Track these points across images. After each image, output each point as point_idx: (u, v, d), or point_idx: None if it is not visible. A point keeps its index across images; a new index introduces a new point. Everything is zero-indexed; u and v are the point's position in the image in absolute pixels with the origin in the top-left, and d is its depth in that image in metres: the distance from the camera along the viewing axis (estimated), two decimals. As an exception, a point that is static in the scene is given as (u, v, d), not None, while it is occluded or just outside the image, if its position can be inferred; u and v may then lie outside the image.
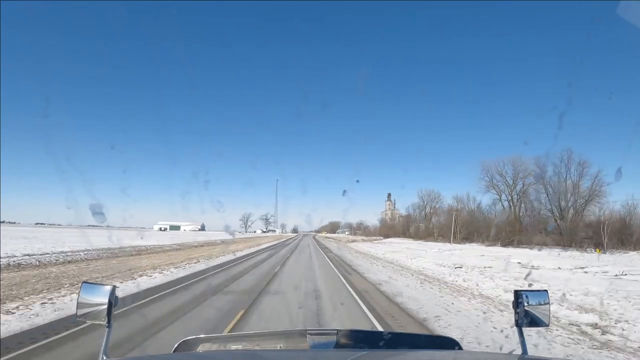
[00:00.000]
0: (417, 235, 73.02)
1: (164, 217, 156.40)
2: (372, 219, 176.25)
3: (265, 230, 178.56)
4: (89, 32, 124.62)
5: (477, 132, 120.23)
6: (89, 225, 79.75)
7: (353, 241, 65.38)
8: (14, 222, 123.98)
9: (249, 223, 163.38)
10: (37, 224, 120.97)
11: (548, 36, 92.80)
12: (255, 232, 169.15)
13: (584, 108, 65.10)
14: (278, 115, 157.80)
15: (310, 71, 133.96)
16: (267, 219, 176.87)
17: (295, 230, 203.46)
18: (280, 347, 1.63)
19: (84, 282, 1.39)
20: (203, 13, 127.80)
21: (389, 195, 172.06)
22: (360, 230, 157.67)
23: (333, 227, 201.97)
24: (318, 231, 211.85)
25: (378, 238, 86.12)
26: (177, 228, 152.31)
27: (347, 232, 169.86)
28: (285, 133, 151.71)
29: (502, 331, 6.15)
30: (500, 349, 5.18)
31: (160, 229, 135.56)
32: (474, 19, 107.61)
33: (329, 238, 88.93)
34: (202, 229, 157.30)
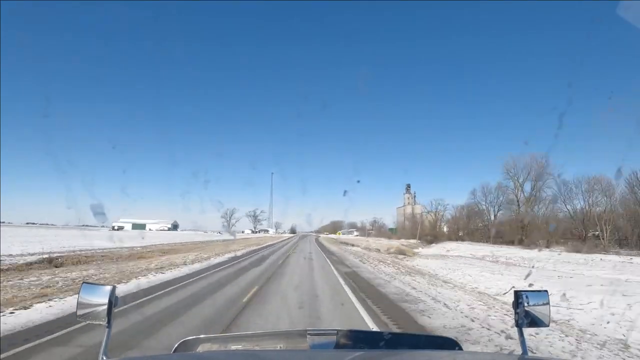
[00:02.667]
0: (508, 240, 40.54)
1: (132, 214, 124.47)
2: (378, 216, 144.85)
3: (254, 230, 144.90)
4: (89, 32, 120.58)
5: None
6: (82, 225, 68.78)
7: (398, 251, 32.91)
8: (3, 222, 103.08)
9: (232, 221, 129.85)
10: (27, 223, 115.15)
11: (548, 36, 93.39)
12: (243, 232, 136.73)
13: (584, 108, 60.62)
14: (277, 113, 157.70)
15: (310, 70, 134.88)
16: (255, 216, 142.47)
17: (293, 231, 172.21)
18: (280, 347, 1.61)
19: (84, 282, 1.37)
20: (203, 13, 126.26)
21: (408, 187, 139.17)
22: (374, 230, 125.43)
23: (334, 227, 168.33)
24: (319, 231, 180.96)
25: (418, 243, 53.59)
26: (142, 227, 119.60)
27: (355, 233, 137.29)
28: (284, 131, 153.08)
29: None
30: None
31: (114, 227, 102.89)
32: (474, 19, 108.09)
33: (345, 244, 55.37)
34: (174, 227, 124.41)
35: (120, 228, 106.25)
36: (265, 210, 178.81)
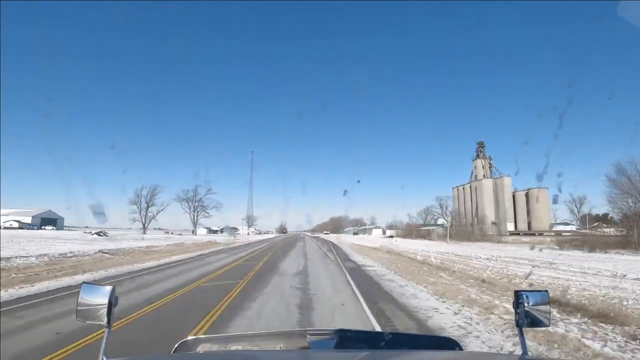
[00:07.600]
0: None
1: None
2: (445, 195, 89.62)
3: (195, 224, 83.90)
4: (90, 31, 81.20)
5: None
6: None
7: None
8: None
9: (151, 209, 70.69)
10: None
11: (548, 37, 77.50)
12: (193, 232, 79.20)
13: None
14: (275, 103, 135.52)
15: (311, 60, 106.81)
16: (195, 200, 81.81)
17: (282, 230, 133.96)
18: (280, 347, 1.61)
19: (84, 282, 1.36)
20: (204, 13, 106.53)
21: (481, 146, 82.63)
22: (450, 226, 68.50)
23: (335, 225, 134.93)
24: (314, 230, 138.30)
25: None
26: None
27: (389, 234, 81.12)
28: (282, 125, 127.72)
29: None
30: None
31: None
32: (475, 19, 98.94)
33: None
34: (43, 222, 65.61)
35: None
36: (218, 190, 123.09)
